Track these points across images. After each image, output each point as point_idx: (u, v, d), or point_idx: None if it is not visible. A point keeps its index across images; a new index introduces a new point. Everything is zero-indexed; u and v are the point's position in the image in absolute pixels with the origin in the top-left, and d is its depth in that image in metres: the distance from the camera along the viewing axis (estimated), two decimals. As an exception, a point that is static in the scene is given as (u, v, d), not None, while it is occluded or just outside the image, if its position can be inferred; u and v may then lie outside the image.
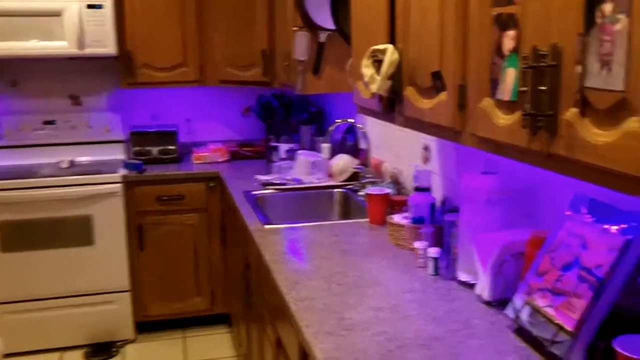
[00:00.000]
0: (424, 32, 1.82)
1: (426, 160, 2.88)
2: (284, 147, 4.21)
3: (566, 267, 1.60)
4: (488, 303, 1.91)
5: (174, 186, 4.09)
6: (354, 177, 3.52)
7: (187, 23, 4.25)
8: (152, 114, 4.69)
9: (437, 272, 2.17)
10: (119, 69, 4.26)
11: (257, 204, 3.23)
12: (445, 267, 2.18)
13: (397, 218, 2.56)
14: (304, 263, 2.31)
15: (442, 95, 1.73)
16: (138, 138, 4.37)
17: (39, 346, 4.01)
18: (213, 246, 4.21)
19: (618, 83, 1.04)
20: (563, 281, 1.59)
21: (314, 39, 3.41)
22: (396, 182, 3.11)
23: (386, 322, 1.80)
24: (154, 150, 4.36)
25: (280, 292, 2.05)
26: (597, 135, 1.11)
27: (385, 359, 1.58)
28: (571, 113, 1.18)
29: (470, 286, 2.03)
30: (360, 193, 3.30)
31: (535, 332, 1.61)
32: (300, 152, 3.91)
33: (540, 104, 1.25)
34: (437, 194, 2.69)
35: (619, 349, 1.32)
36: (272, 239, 2.61)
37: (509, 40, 1.39)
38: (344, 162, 3.57)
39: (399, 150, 3.20)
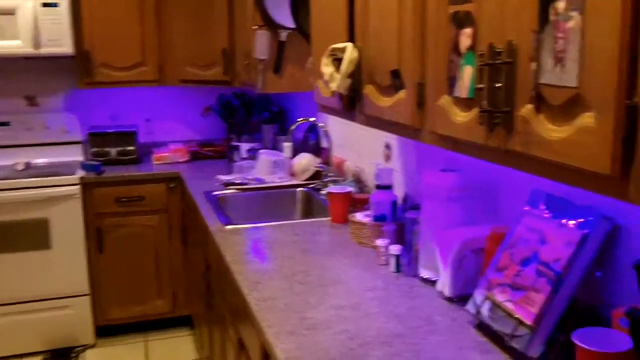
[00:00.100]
0: (382, 30, 1.82)
1: (388, 158, 2.89)
2: (245, 147, 4.19)
3: (525, 262, 1.62)
4: (449, 299, 1.92)
5: (134, 187, 4.04)
6: (316, 176, 3.52)
7: (146, 22, 4.20)
8: (111, 114, 4.62)
9: (399, 269, 2.18)
10: (76, 69, 4.19)
11: (218, 204, 3.21)
12: (407, 264, 2.19)
13: (359, 216, 2.56)
14: (265, 263, 2.30)
15: (401, 94, 1.74)
16: (96, 139, 4.30)
17: (-4, 353, 3.93)
18: (174, 248, 4.17)
19: (572, 79, 1.05)
20: (522, 276, 1.60)
21: (274, 38, 3.40)
22: (358, 181, 3.11)
23: (348, 321, 1.79)
24: (113, 151, 4.30)
25: (241, 293, 2.04)
26: (552, 131, 1.12)
27: (347, 358, 1.58)
28: (527, 109, 1.19)
29: (432, 283, 2.04)
30: (322, 192, 3.30)
31: (496, 326, 1.63)
32: (261, 151, 3.89)
33: (497, 100, 1.26)
34: (399, 192, 2.70)
35: (577, 342, 1.34)
36: (233, 239, 2.59)
37: (465, 38, 1.40)
38: (305, 161, 3.57)
39: (361, 149, 3.20)
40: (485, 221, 2.05)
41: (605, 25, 0.97)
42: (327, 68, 2.09)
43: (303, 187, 3.50)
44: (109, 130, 4.34)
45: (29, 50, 3.90)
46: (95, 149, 4.28)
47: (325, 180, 3.35)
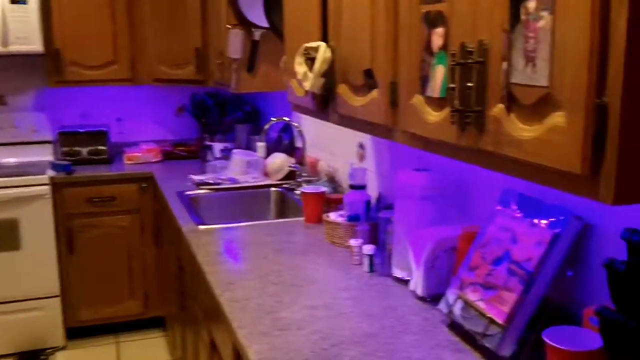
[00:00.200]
0: (355, 30, 1.82)
1: (361, 158, 2.89)
2: (218, 147, 4.17)
3: (497, 262, 1.63)
4: (422, 298, 1.93)
5: (105, 187, 3.99)
6: (290, 175, 3.51)
7: (118, 19, 4.15)
8: (82, 114, 4.56)
9: (372, 269, 2.18)
10: (46, 67, 4.13)
11: (191, 204, 3.18)
12: (380, 264, 2.19)
13: (332, 216, 2.56)
14: (238, 263, 2.28)
15: (374, 93, 1.73)
16: (67, 138, 4.24)
17: (-36, 356, 3.87)
18: (146, 248, 4.13)
19: (542, 79, 1.05)
20: (494, 275, 1.61)
21: (248, 37, 3.38)
22: (332, 181, 3.11)
23: (321, 321, 1.79)
24: (84, 150, 4.25)
25: (214, 294, 2.02)
26: (523, 130, 1.13)
27: (320, 358, 1.57)
28: (498, 109, 1.19)
29: (405, 282, 2.04)
30: (296, 192, 3.30)
31: (468, 326, 1.63)
32: (235, 151, 3.87)
33: (468, 100, 1.26)
34: (373, 192, 2.70)
35: (548, 341, 1.35)
36: (206, 239, 2.57)
37: (437, 37, 1.40)
38: (279, 161, 3.56)
39: (335, 149, 3.20)
40: (458, 221, 2.06)
41: (575, 25, 0.97)
42: (300, 67, 2.08)
43: (277, 187, 3.49)
44: (80, 130, 4.29)
45: (-4, 48, 3.84)
46: (65, 149, 4.23)
47: (299, 180, 3.34)
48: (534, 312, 1.53)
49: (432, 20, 1.41)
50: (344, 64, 1.92)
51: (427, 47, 1.44)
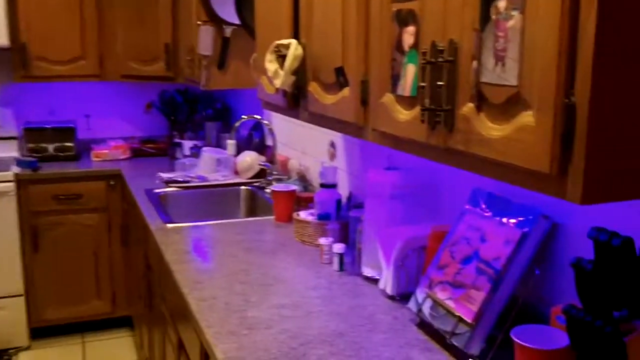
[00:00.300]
0: (326, 28, 1.81)
1: (332, 156, 2.88)
2: (188, 144, 4.13)
3: (465, 260, 1.63)
4: (392, 297, 1.93)
5: (72, 185, 3.94)
6: (261, 174, 3.49)
7: (86, 14, 4.09)
8: (49, 110, 4.49)
9: (342, 268, 2.18)
10: (11, 62, 4.05)
11: (160, 202, 3.15)
12: (350, 262, 2.19)
13: (302, 215, 2.55)
14: (206, 262, 2.26)
15: (345, 91, 1.73)
16: (32, 134, 4.17)
17: None
18: (114, 247, 4.08)
19: (512, 78, 1.05)
20: (463, 274, 1.61)
21: (218, 34, 3.36)
22: (303, 179, 3.10)
23: (289, 320, 1.78)
24: (50, 147, 4.18)
25: (181, 293, 2.00)
26: (492, 129, 1.13)
27: (289, 357, 1.56)
28: (468, 108, 1.19)
29: (375, 281, 2.04)
30: (266, 190, 3.28)
31: (437, 324, 1.64)
32: (205, 149, 3.84)
33: (439, 99, 1.26)
34: (343, 190, 2.70)
35: (516, 339, 1.35)
36: (174, 238, 2.54)
37: (408, 36, 1.40)
38: (250, 159, 3.54)
39: (306, 147, 3.19)
40: (428, 220, 2.06)
41: (544, 25, 0.97)
42: (271, 64, 2.07)
43: (247, 186, 3.47)
44: (46, 126, 4.22)
45: (-41, 41, 3.77)
46: (31, 145, 4.15)
47: (270, 178, 3.33)
48: (502, 311, 1.54)
49: (403, 19, 1.41)
50: (315, 61, 1.92)
51: (398, 46, 1.44)
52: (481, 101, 1.15)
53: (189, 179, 3.51)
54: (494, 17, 1.09)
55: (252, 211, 3.39)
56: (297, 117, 2.12)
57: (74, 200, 3.94)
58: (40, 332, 4.06)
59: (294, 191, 2.81)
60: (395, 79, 1.47)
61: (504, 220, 1.60)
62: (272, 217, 2.83)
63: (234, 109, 4.43)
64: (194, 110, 4.46)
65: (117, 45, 4.17)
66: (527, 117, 1.03)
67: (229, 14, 3.25)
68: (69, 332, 4.13)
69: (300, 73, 2.00)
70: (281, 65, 2.03)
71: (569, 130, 0.95)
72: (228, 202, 3.46)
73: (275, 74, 2.05)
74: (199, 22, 3.36)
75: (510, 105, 1.07)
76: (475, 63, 1.15)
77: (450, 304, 1.61)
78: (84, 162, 4.19)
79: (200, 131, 4.34)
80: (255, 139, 3.76)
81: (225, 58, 3.39)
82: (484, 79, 1.13)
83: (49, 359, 3.89)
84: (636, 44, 0.93)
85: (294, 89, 2.05)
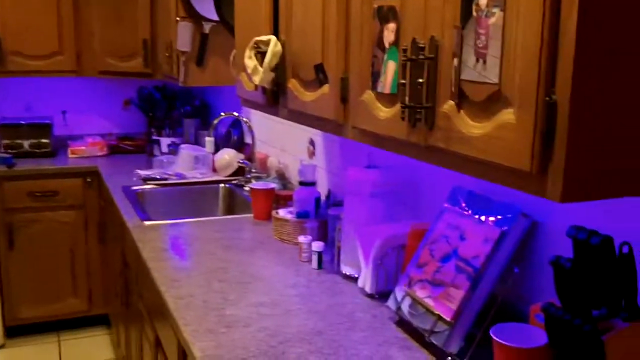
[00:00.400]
0: (306, 24, 1.80)
1: (311, 154, 2.87)
2: (165, 141, 4.10)
3: (445, 259, 1.63)
4: (370, 296, 1.92)
5: (48, 181, 3.89)
6: (239, 171, 3.47)
7: (62, 9, 4.03)
8: (25, 105, 4.43)
9: (321, 266, 2.17)
10: (-14, 57, 4.00)
11: (137, 199, 3.12)
12: (329, 261, 2.18)
13: (281, 213, 2.53)
14: (184, 260, 2.24)
15: (325, 88, 1.72)
16: (8, 130, 4.11)
17: None
18: (90, 244, 4.04)
19: (493, 76, 1.05)
20: (442, 272, 1.61)
21: (197, 30, 3.33)
22: (282, 177, 3.08)
23: (268, 318, 1.77)
24: (26, 143, 4.12)
25: (159, 290, 1.98)
26: (472, 127, 1.12)
27: (267, 355, 1.55)
28: (448, 105, 1.19)
29: (354, 279, 2.03)
30: (245, 188, 3.26)
31: (416, 322, 1.63)
32: (183, 146, 3.81)
33: (419, 96, 1.25)
34: (322, 189, 2.69)
35: (495, 337, 1.35)
36: (152, 235, 2.52)
37: (389, 33, 1.39)
38: (228, 157, 3.52)
39: (285, 145, 3.18)
40: (407, 218, 2.06)
41: (526, 22, 0.97)
42: (250, 61, 2.05)
43: (225, 183, 3.45)
44: (22, 122, 4.16)
45: None
46: (6, 141, 4.09)
47: (248, 176, 3.31)
48: (481, 309, 1.54)
49: (384, 16, 1.40)
50: (294, 58, 1.91)
51: (379, 43, 1.43)
52: (462, 99, 1.15)
53: (166, 176, 3.49)
54: (475, 14, 1.09)
55: (230, 209, 3.37)
56: (276, 114, 2.11)
57: (50, 197, 3.89)
58: (16, 330, 4.01)
59: (273, 189, 2.80)
60: (375, 76, 1.46)
61: (484, 218, 1.61)
62: (250, 215, 2.82)
63: (213, 106, 4.41)
64: (172, 107, 4.43)
65: (94, 40, 4.12)
66: (507, 115, 1.03)
67: (208, 10, 3.23)
68: (45, 331, 4.08)
69: (280, 70, 1.99)
70: (260, 61, 2.02)
71: (549, 128, 0.95)
72: (206, 200, 3.43)
73: (255, 71, 2.04)
74: (177, 18, 3.34)
75: (491, 102, 1.07)
76: (456, 60, 1.15)
77: (429, 302, 1.61)
78: (61, 159, 4.14)
79: (179, 128, 4.31)
80: (234, 137, 3.74)
81: (204, 55, 3.37)
82: (464, 77, 1.13)
83: (25, 358, 3.83)
84: (617, 42, 0.93)
85: (273, 85, 2.04)
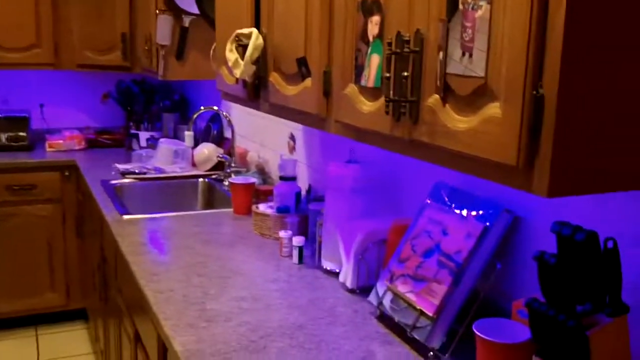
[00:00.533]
0: (289, 17, 1.79)
1: (292, 149, 2.86)
2: (144, 135, 4.07)
3: (427, 254, 1.63)
4: (352, 291, 1.91)
5: (25, 175, 3.84)
6: (219, 166, 3.45)
7: (40, 0, 3.97)
8: (2, 98, 4.37)
9: (301, 261, 2.16)
10: (-38, 49, 3.93)
11: (116, 193, 3.09)
12: (310, 256, 2.18)
13: (262, 207, 2.52)
14: (163, 254, 2.22)
15: (307, 82, 1.71)
16: (-15, 124, 4.06)
17: None
18: (68, 238, 4.00)
19: (479, 69, 1.04)
20: (424, 267, 1.61)
21: (177, 23, 3.30)
22: (262, 172, 3.07)
23: (249, 312, 1.75)
24: (3, 136, 4.06)
25: (138, 285, 1.96)
26: (458, 121, 1.12)
27: (248, 350, 1.54)
28: (433, 99, 1.18)
29: (335, 274, 2.03)
30: (224, 183, 3.24)
31: (398, 317, 1.63)
32: (162, 140, 3.78)
33: (403, 90, 1.24)
34: (303, 183, 2.68)
35: (478, 333, 1.35)
36: (130, 229, 2.49)
37: (373, 26, 1.38)
38: (208, 151, 3.49)
39: (265, 140, 3.16)
40: (389, 213, 2.06)
41: (513, 15, 0.96)
42: (231, 54, 2.03)
43: (205, 178, 3.42)
44: (-1, 115, 4.11)
45: None
46: (-17, 134, 4.04)
47: (228, 171, 3.29)
48: (463, 305, 1.54)
49: (368, 8, 1.39)
50: (276, 51, 1.89)
51: (363, 36, 1.42)
52: (447, 92, 1.14)
53: (145, 170, 3.45)
54: (461, 7, 1.08)
55: (209, 204, 3.35)
56: (257, 108, 2.09)
57: (27, 190, 3.84)
58: (-8, 325, 3.96)
59: (253, 183, 2.78)
60: (359, 69, 1.45)
61: (466, 213, 1.60)
62: (230, 210, 2.80)
63: (192, 101, 4.38)
64: (151, 101, 4.39)
65: (73, 33, 4.07)
66: (493, 109, 1.02)
67: (188, 3, 3.20)
68: (23, 325, 4.04)
69: (261, 63, 1.97)
70: (242, 55, 2.00)
71: (536, 123, 0.94)
72: (185, 194, 3.41)
73: (236, 64, 2.02)
74: (157, 11, 3.30)
75: (476, 96, 1.06)
76: (441, 54, 1.14)
77: (411, 297, 1.61)
78: (38, 153, 4.10)
79: (157, 122, 4.27)
80: (214, 131, 3.71)
81: (184, 48, 3.34)
82: (450, 70, 1.12)
83: (2, 353, 3.79)
84: (605, 35, 0.92)
85: (255, 79, 2.02)
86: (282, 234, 2.24)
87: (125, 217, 2.66)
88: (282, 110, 1.90)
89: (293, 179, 2.53)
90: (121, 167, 3.53)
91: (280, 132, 2.95)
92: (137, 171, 3.43)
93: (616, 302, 1.12)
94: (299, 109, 1.77)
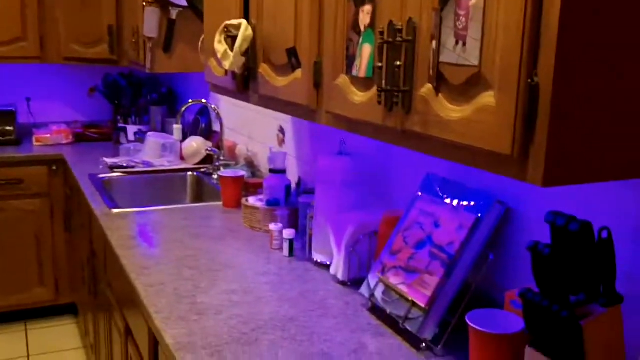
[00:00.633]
0: (278, 7, 1.77)
1: (281, 142, 2.84)
2: (132, 129, 4.04)
3: (419, 245, 1.62)
4: (343, 283, 1.91)
5: (12, 170, 3.81)
6: (207, 159, 3.43)
7: (25, -7, 3.94)
8: (-13, 92, 4.34)
9: (292, 253, 2.15)
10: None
11: (104, 187, 3.06)
12: (300, 248, 2.17)
13: (251, 200, 2.51)
14: (153, 248, 2.21)
15: (297, 73, 1.69)
16: (-30, 118, 4.02)
17: None
18: (57, 233, 3.97)
19: (473, 58, 1.04)
20: (416, 259, 1.60)
21: (164, 15, 3.27)
22: (251, 165, 3.05)
23: (240, 305, 1.74)
24: (-11, 131, 4.04)
25: (129, 278, 1.94)
26: (451, 110, 1.11)
27: (240, 342, 1.53)
28: (426, 89, 1.17)
29: (326, 267, 2.02)
30: (213, 176, 3.23)
31: (390, 309, 1.62)
32: (150, 134, 3.75)
33: (396, 79, 1.23)
34: (292, 176, 2.67)
35: (471, 323, 1.35)
36: (120, 223, 2.47)
37: (365, 15, 1.37)
38: (196, 145, 3.47)
39: (254, 132, 3.15)
40: (379, 205, 2.05)
41: (507, 2, 0.95)
42: (220, 45, 2.01)
43: (193, 171, 3.40)
44: (-15, 109, 4.07)
45: None
46: (-32, 129, 4.00)
47: (217, 164, 3.27)
48: (456, 296, 1.53)
49: (360, -2, 1.38)
50: (266, 42, 1.88)
51: (354, 26, 1.41)
52: (440, 82, 1.13)
53: (133, 164, 3.43)
54: (454, -5, 1.07)
55: (198, 198, 3.34)
56: (247, 100, 2.08)
57: (15, 185, 3.81)
58: (-21, 321, 3.93)
59: (242, 176, 2.77)
60: (350, 59, 1.44)
61: (457, 205, 1.60)
62: (219, 203, 2.79)
63: (180, 94, 4.35)
64: (139, 95, 4.36)
65: (59, 26, 4.03)
66: (488, 98, 1.01)
67: (176, -5, 3.17)
68: (12, 320, 4.02)
69: (251, 54, 1.96)
70: (231, 46, 1.98)
71: (531, 111, 0.94)
72: (174, 188, 3.39)
73: (225, 55, 2.00)
74: (144, 3, 3.27)
75: (470, 85, 1.05)
76: (434, 43, 1.13)
77: (403, 288, 1.60)
78: (25, 147, 4.07)
79: (145, 116, 4.25)
80: (202, 124, 3.69)
81: (171, 41, 3.31)
82: (443, 59, 1.11)
83: (-10, 348, 3.77)
84: (602, 23, 0.92)
85: (244, 70, 2.01)
86: (273, 226, 2.23)
87: (114, 211, 2.64)
88: (272, 102, 1.89)
89: (283, 171, 2.52)
90: (109, 161, 3.50)
91: (269, 124, 2.93)
92: (125, 165, 3.41)
93: (610, 292, 1.12)
94: (289, 100, 1.75)
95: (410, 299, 1.56)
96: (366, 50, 1.37)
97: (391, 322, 1.63)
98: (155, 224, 2.49)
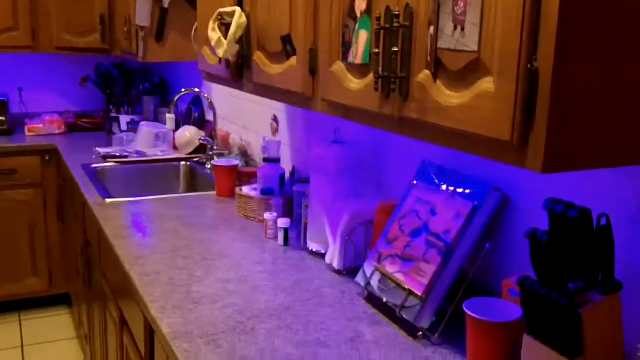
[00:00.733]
0: (273, -6, 1.76)
1: (275, 131, 2.83)
2: (125, 119, 4.02)
3: (415, 233, 1.61)
4: (339, 272, 1.90)
5: (5, 160, 3.78)
6: (200, 149, 3.41)
7: (17, -18, 3.90)
8: (-22, 82, 4.30)
9: (287, 242, 2.14)
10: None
11: (97, 177, 3.05)
12: (295, 237, 2.16)
13: (245, 190, 2.50)
14: (147, 237, 2.19)
15: (292, 60, 1.68)
16: (-38, 108, 3.99)
17: None
18: (50, 223, 3.95)
19: (472, 43, 1.02)
20: (412, 247, 1.60)
21: (156, 4, 3.24)
22: (244, 154, 3.04)
23: (236, 294, 1.74)
24: (-20, 121, 4.01)
25: (123, 268, 1.93)
26: (449, 97, 1.10)
27: (236, 331, 1.52)
28: (424, 75, 1.16)
29: (321, 256, 2.01)
30: (207, 166, 3.21)
31: (386, 298, 1.62)
32: (143, 123, 3.73)
33: (393, 66, 1.22)
34: (286, 165, 2.65)
35: (468, 312, 1.34)
36: (113, 213, 2.46)
37: (360, 1, 1.35)
38: (189, 134, 3.45)
39: (247, 122, 3.13)
40: (375, 194, 2.04)
41: (506, -13, 0.94)
42: (214, 33, 2.00)
43: (187, 161, 3.39)
44: (-24, 99, 4.04)
45: None
46: (-40, 119, 3.97)
47: (210, 153, 3.25)
48: (452, 284, 1.53)
49: (356, -16, 1.36)
50: (260, 30, 1.86)
51: (350, 12, 1.39)
52: (438, 68, 1.12)
53: (127, 154, 3.41)
54: (452, -20, 1.06)
55: (191, 187, 3.32)
56: (241, 88, 2.06)
57: (7, 175, 3.79)
58: (-27, 311, 3.92)
59: (236, 166, 2.75)
60: (346, 46, 1.43)
61: (454, 193, 1.59)
62: (213, 193, 2.78)
63: (173, 83, 4.32)
64: (131, 84, 4.33)
65: (50, 16, 3.99)
66: (487, 84, 1.00)
67: (169, -17, 3.15)
68: (5, 310, 4.01)
69: (245, 42, 1.94)
70: (225, 34, 1.97)
71: (531, 97, 0.92)
72: (167, 178, 3.37)
73: (218, 43, 1.98)
74: (137, -8, 3.25)
75: (469, 71, 1.04)
76: (432, 28, 1.12)
77: (399, 277, 1.59)
78: (18, 137, 4.04)
79: (138, 106, 4.22)
80: (195, 114, 3.67)
81: (164, 30, 3.29)
82: (441, 45, 1.10)
83: (-17, 339, 3.76)
84: (603, 7, 0.90)
85: (238, 58, 1.99)
86: (267, 216, 2.22)
87: (108, 200, 2.62)
88: (267, 90, 1.87)
89: (277, 160, 2.50)
90: (102, 150, 3.48)
91: (263, 114, 2.92)
92: (118, 155, 3.39)
93: (609, 279, 1.11)
94: (284, 88, 1.74)
95: (406, 287, 1.56)
96: (362, 37, 1.36)
97: (387, 310, 1.62)
98: (149, 213, 2.48)
